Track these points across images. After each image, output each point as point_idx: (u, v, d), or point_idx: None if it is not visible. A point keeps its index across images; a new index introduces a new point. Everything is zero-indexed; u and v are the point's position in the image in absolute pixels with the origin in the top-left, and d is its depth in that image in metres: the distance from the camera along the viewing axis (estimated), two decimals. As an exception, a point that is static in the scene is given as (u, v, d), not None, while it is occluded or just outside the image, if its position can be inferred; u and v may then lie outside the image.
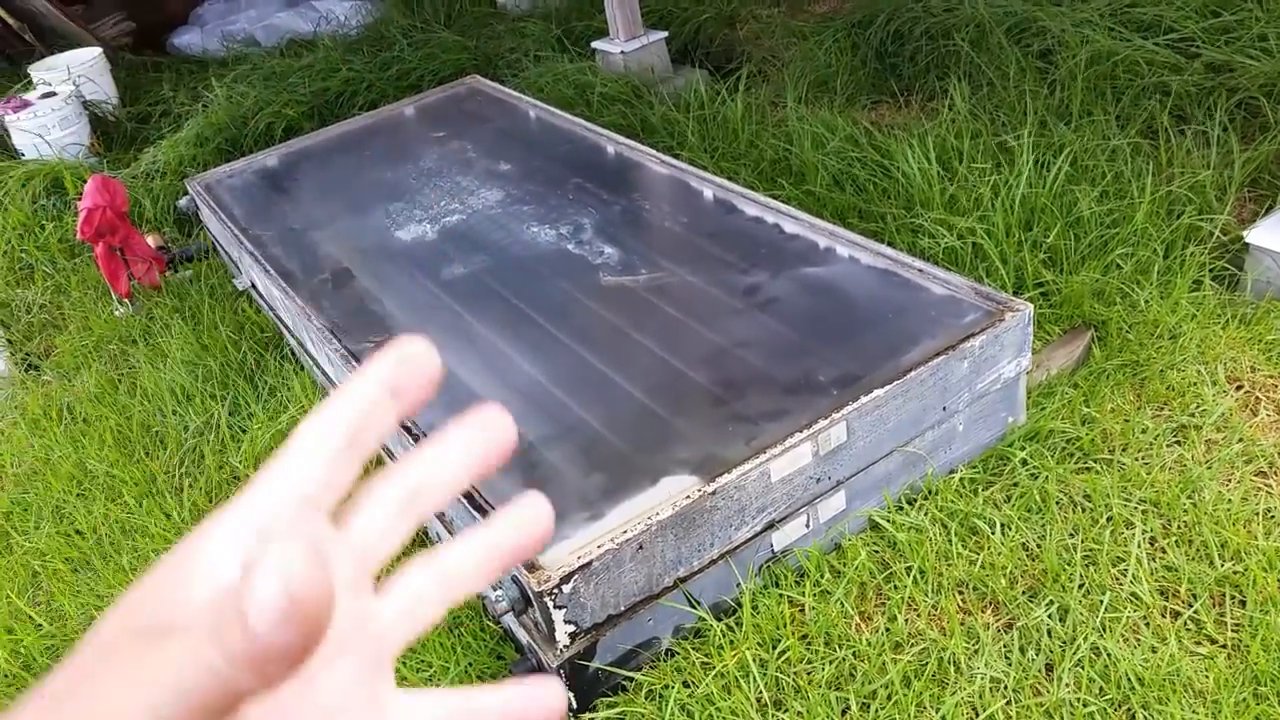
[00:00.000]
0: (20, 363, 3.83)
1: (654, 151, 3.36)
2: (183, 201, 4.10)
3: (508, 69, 5.19)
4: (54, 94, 5.20)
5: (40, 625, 2.56)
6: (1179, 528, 2.16)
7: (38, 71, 5.57)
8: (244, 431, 2.97)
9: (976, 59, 3.83)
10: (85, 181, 3.86)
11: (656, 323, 2.50)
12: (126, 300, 3.94)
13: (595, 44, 4.86)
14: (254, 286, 3.50)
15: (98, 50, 5.86)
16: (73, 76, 5.41)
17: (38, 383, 3.66)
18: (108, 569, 2.64)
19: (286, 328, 3.24)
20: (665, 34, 4.81)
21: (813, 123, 3.72)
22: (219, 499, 2.77)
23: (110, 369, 3.58)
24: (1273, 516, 2.14)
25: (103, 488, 2.96)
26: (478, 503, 1.99)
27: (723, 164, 3.75)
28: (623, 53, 4.68)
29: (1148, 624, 1.98)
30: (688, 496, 1.91)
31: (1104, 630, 1.97)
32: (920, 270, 2.46)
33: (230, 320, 3.56)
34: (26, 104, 5.04)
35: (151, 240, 4.09)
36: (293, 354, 3.29)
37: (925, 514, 2.25)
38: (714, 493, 1.93)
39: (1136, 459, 2.34)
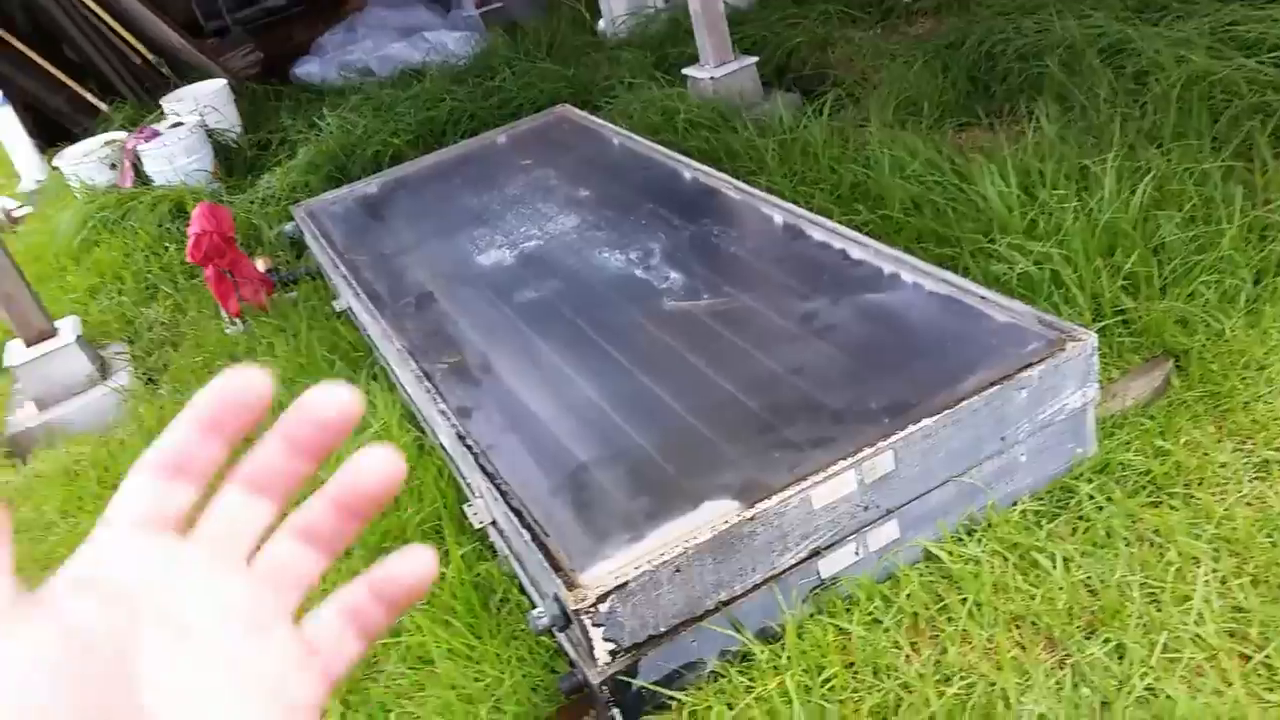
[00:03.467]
0: (141, 376, 4.10)
1: (728, 177, 3.40)
2: (288, 227, 4.33)
3: (602, 96, 5.29)
4: (181, 124, 5.56)
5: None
6: (1254, 568, 2.07)
7: (169, 103, 5.96)
8: (332, 447, 3.11)
9: (1067, 81, 3.73)
10: (202, 207, 4.12)
11: (714, 347, 2.53)
12: (237, 320, 4.18)
13: (686, 70, 4.92)
14: (349, 308, 3.67)
15: (223, 81, 6.22)
16: (199, 107, 5.77)
17: (155, 396, 3.90)
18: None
19: (376, 347, 3.39)
20: (755, 59, 4.84)
21: (894, 146, 3.69)
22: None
23: (218, 385, 3.79)
24: (1354, 559, 2.03)
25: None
26: (526, 521, 2.06)
27: (801, 189, 3.75)
28: (712, 78, 4.73)
29: (1212, 666, 1.90)
30: (726, 521, 1.93)
31: (1163, 671, 1.90)
32: (983, 298, 2.43)
33: (327, 340, 3.74)
34: (156, 134, 5.41)
35: (261, 264, 4.33)
36: (383, 373, 3.44)
37: (983, 545, 2.21)
38: (753, 518, 1.94)
39: (1212, 494, 2.25)
